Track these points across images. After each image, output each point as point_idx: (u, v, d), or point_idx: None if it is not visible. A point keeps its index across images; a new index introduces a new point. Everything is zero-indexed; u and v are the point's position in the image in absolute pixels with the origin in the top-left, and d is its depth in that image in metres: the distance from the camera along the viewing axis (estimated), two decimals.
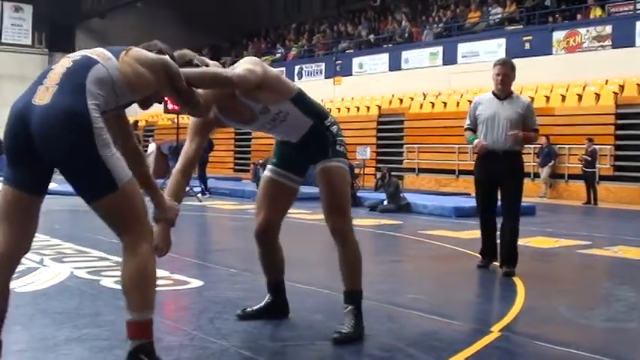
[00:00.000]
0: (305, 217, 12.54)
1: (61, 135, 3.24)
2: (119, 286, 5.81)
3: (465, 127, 7.60)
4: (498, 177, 7.22)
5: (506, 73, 7.24)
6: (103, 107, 3.36)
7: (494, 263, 7.35)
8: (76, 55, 3.54)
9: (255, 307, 4.94)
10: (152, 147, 34.09)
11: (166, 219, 4.05)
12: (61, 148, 3.27)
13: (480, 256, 7.50)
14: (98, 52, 3.53)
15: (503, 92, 7.32)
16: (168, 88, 3.68)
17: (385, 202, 15.05)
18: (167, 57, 3.71)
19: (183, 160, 4.47)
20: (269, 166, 4.86)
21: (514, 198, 7.33)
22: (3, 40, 45.21)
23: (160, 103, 4.09)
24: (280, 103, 4.40)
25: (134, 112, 38.76)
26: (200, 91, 3.99)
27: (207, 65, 4.22)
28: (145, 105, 3.88)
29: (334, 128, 4.62)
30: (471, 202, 11.30)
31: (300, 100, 4.51)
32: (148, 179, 3.85)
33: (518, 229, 7.25)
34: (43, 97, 3.29)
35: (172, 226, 4.11)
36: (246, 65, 4.23)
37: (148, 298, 3.51)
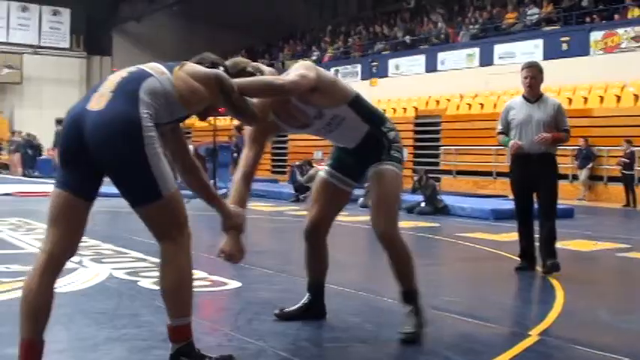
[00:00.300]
0: (341, 218, 12.54)
1: (112, 140, 3.34)
2: (157, 287, 5.86)
3: (498, 131, 7.58)
4: (533, 180, 7.20)
5: (534, 75, 7.24)
6: (155, 118, 3.45)
7: (537, 269, 7.30)
8: (132, 67, 3.63)
9: (292, 308, 4.96)
10: (190, 149, 34.06)
11: (235, 227, 4.20)
12: (112, 153, 3.36)
13: (519, 259, 7.45)
14: (153, 66, 3.62)
15: (533, 95, 7.32)
16: (222, 101, 3.75)
17: (422, 204, 15.00)
18: (220, 70, 3.78)
19: (243, 166, 4.53)
20: (325, 168, 4.90)
21: (549, 200, 7.33)
22: (42, 44, 45.70)
23: (217, 116, 4.07)
24: (335, 107, 4.42)
25: None
26: (255, 99, 4.05)
27: (261, 72, 4.24)
28: (202, 117, 3.98)
29: (391, 134, 4.63)
30: (508, 205, 11.24)
31: (357, 104, 4.51)
32: (209, 191, 4.03)
33: (554, 230, 7.21)
34: (98, 104, 3.39)
35: (242, 232, 4.25)
36: (298, 70, 4.24)
37: (186, 305, 3.65)
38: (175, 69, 3.62)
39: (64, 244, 3.55)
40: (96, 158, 3.39)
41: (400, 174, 4.63)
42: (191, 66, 3.71)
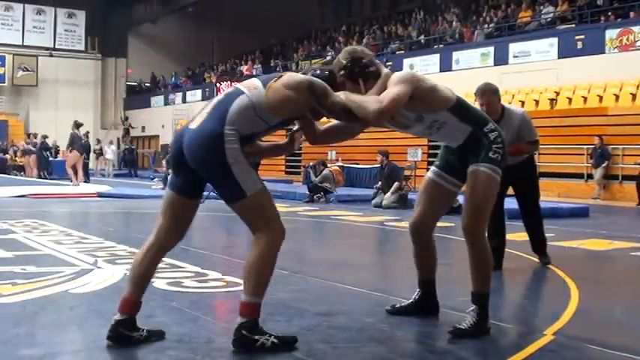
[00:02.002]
0: (355, 218, 12.55)
1: (200, 151, 4.07)
2: (171, 288, 5.93)
3: None
4: (511, 182, 7.23)
5: (488, 102, 6.79)
6: (246, 130, 4.10)
7: (551, 266, 7.28)
8: (231, 88, 4.29)
9: (404, 304, 5.19)
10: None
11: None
12: (199, 162, 4.09)
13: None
14: (248, 84, 4.25)
15: (495, 118, 7.17)
16: (316, 104, 4.24)
17: None
18: (313, 78, 4.24)
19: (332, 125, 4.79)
20: (433, 168, 5.04)
21: (532, 199, 7.67)
22: (57, 46, 45.91)
23: (318, 119, 4.59)
24: (435, 113, 4.61)
25: (186, 116, 38.95)
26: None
27: (378, 72, 4.59)
28: (315, 118, 4.49)
29: (492, 135, 4.71)
30: None
31: (458, 109, 4.66)
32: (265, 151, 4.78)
33: (542, 229, 7.64)
34: (196, 123, 4.16)
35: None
36: (394, 88, 4.40)
37: (257, 286, 4.15)
38: (271, 82, 4.18)
39: (167, 232, 4.34)
40: (191, 166, 4.11)
41: (495, 177, 4.70)
42: (288, 76, 4.24)
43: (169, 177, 4.41)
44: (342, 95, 4.32)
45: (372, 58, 4.64)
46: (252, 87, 4.18)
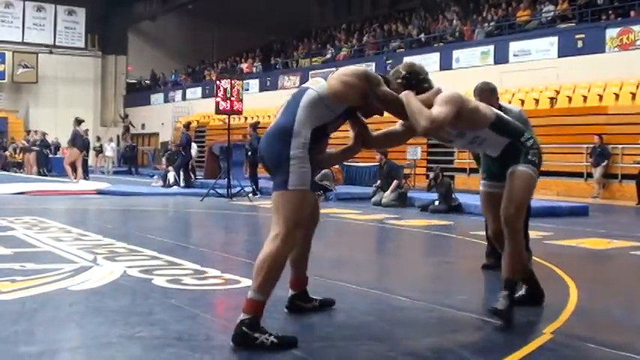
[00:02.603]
0: (354, 217, 12.55)
1: (269, 147, 4.43)
2: (171, 285, 5.92)
3: None
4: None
5: (486, 99, 6.94)
6: (316, 122, 4.43)
7: (550, 265, 7.27)
8: (297, 89, 4.64)
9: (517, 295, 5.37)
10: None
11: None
12: (268, 155, 4.43)
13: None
14: (313, 81, 4.64)
15: None
16: (371, 92, 4.59)
17: (436, 203, 14.97)
18: (368, 69, 4.80)
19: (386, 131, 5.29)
20: (482, 181, 5.58)
21: None
22: (57, 44, 45.89)
23: (368, 116, 4.97)
24: (476, 130, 5.04)
25: (186, 114, 38.83)
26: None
27: (430, 88, 4.96)
28: (365, 114, 4.90)
29: (529, 142, 5.13)
30: None
31: (497, 126, 5.07)
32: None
33: (526, 223, 7.46)
34: (271, 124, 4.53)
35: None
36: (442, 108, 4.74)
37: (263, 284, 4.25)
38: (330, 75, 4.59)
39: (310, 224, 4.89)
40: (267, 164, 4.47)
41: (534, 176, 5.10)
42: (345, 68, 4.68)
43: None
44: (405, 94, 4.72)
45: (428, 75, 5.07)
46: (316, 82, 4.58)
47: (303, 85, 4.63)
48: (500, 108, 6.96)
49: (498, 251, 7.10)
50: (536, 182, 5.17)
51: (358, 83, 4.54)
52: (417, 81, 4.93)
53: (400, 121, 5.17)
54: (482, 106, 5.16)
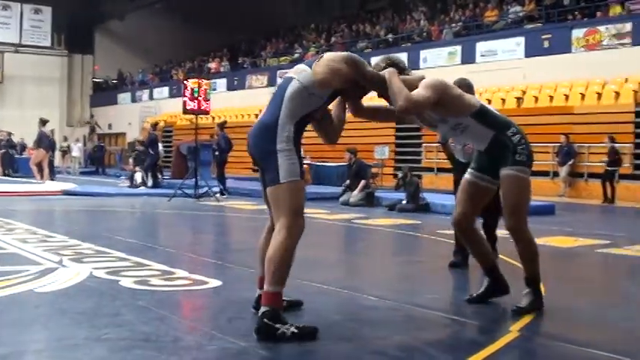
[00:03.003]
0: (323, 216, 12.55)
1: (256, 140, 4.56)
2: (138, 286, 5.88)
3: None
4: None
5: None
6: (301, 112, 4.54)
7: (517, 263, 7.31)
8: (281, 79, 4.73)
9: (480, 292, 5.62)
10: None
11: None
12: (256, 149, 4.58)
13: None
14: (296, 69, 4.71)
15: None
16: (356, 73, 4.68)
17: (404, 202, 15.02)
18: (352, 54, 4.77)
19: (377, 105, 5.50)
20: (469, 170, 5.60)
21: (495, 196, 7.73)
22: (23, 42, 45.43)
23: (361, 96, 5.08)
24: (458, 117, 5.19)
25: (153, 113, 38.57)
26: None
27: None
28: (352, 97, 4.98)
29: (516, 137, 5.28)
30: None
31: (480, 115, 5.24)
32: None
33: (496, 223, 7.77)
34: (258, 117, 4.65)
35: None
36: (422, 91, 4.95)
37: (277, 276, 4.37)
38: (315, 62, 4.64)
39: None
40: (255, 158, 4.62)
41: (525, 177, 5.29)
42: (329, 53, 4.75)
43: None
44: (388, 72, 4.89)
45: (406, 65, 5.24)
46: (299, 70, 4.65)
47: (288, 74, 4.70)
48: None
49: (466, 250, 7.23)
50: (529, 180, 5.35)
51: (344, 68, 4.63)
52: (399, 69, 5.03)
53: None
54: (468, 96, 5.35)
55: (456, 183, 8.00)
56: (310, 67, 4.62)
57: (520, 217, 5.30)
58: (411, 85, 4.97)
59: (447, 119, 5.21)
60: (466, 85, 7.07)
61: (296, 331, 4.29)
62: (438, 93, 5.01)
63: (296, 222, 4.45)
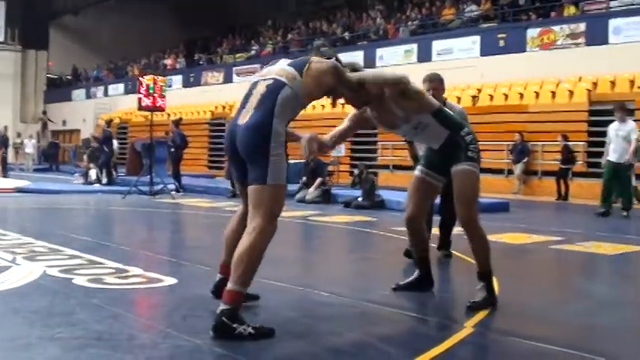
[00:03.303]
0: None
1: (250, 144, 4.52)
2: (92, 285, 5.84)
3: None
4: None
5: (435, 87, 7.24)
6: (290, 117, 4.67)
7: (471, 259, 7.38)
8: (269, 79, 4.72)
9: (406, 281, 5.97)
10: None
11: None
12: (249, 152, 4.54)
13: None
14: (287, 73, 4.70)
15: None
16: (339, 82, 4.84)
17: (360, 199, 15.08)
18: (336, 63, 4.88)
19: (336, 131, 5.70)
20: (419, 167, 5.83)
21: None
22: None
23: (337, 100, 5.25)
24: (420, 114, 5.36)
25: (108, 110, 38.16)
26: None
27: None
28: (335, 99, 5.15)
29: (468, 138, 5.49)
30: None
31: (439, 114, 5.44)
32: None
33: (453, 221, 7.69)
34: (244, 118, 4.59)
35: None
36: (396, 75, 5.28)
37: (243, 276, 4.40)
38: (304, 70, 4.69)
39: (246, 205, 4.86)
40: (242, 155, 4.59)
41: (475, 170, 5.48)
42: (316, 63, 4.77)
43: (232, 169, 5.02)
44: (356, 75, 5.06)
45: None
46: (291, 77, 4.67)
47: (277, 78, 4.69)
48: (444, 103, 7.22)
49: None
50: (479, 177, 5.54)
51: (329, 81, 4.78)
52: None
53: (349, 116, 5.67)
54: (428, 95, 5.65)
55: None
56: (299, 71, 4.69)
57: (473, 210, 5.48)
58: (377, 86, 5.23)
59: (410, 118, 5.35)
60: (438, 79, 7.42)
61: (253, 331, 4.30)
62: (405, 79, 5.24)
63: (271, 225, 4.52)
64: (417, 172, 5.81)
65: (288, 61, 4.91)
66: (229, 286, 4.40)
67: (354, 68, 5.19)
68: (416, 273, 5.96)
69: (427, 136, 5.57)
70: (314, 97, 4.81)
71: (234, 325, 4.29)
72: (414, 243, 5.98)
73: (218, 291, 4.95)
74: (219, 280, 5.09)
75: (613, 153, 13.40)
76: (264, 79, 4.75)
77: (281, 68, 4.78)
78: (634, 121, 18.47)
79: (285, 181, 4.59)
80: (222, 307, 4.34)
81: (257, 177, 4.50)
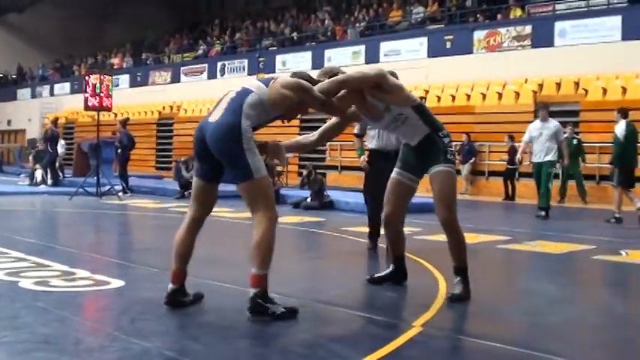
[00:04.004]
0: (227, 215, 12.50)
1: (222, 140, 4.89)
2: (38, 288, 5.76)
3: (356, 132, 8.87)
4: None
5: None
6: (256, 122, 4.99)
7: (419, 259, 7.42)
8: (239, 87, 5.16)
9: (381, 274, 6.32)
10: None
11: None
12: (221, 149, 4.91)
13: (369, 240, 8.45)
14: (254, 84, 5.14)
15: None
16: (306, 98, 5.17)
17: (309, 200, 15.09)
18: (300, 79, 5.20)
19: (321, 130, 6.00)
20: (395, 169, 6.04)
21: None
22: None
23: (304, 114, 5.68)
24: (401, 107, 5.60)
25: (54, 110, 37.70)
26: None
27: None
28: (290, 117, 5.39)
29: (446, 139, 5.74)
30: None
31: (419, 110, 5.71)
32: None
33: None
34: (215, 117, 4.98)
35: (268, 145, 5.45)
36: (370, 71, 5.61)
37: (263, 260, 4.83)
38: (271, 83, 5.12)
39: (200, 212, 5.23)
40: (214, 153, 4.93)
41: (453, 172, 5.77)
42: (282, 78, 5.21)
43: (196, 167, 5.27)
44: (330, 81, 5.38)
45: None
46: (256, 86, 5.10)
47: (246, 87, 5.11)
48: None
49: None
50: (456, 177, 5.91)
51: (295, 96, 5.11)
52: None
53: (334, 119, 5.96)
54: (407, 90, 5.77)
55: (367, 179, 8.81)
56: (265, 84, 5.12)
57: (453, 210, 5.75)
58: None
59: (391, 108, 5.60)
60: (394, 77, 7.39)
61: (284, 310, 4.80)
62: (384, 74, 5.58)
63: (273, 210, 4.95)
64: (394, 174, 6.02)
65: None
66: (254, 271, 4.81)
67: (334, 73, 5.51)
68: (391, 267, 6.27)
69: (406, 131, 5.78)
70: (278, 104, 5.09)
71: (268, 305, 4.77)
72: (390, 241, 6.25)
73: (172, 302, 5.11)
74: (172, 291, 5.14)
75: (537, 152, 13.57)
76: (235, 89, 5.16)
77: (250, 82, 5.24)
78: (578, 123, 18.89)
79: (265, 170, 4.99)
80: (253, 291, 4.77)
81: (243, 175, 4.90)
